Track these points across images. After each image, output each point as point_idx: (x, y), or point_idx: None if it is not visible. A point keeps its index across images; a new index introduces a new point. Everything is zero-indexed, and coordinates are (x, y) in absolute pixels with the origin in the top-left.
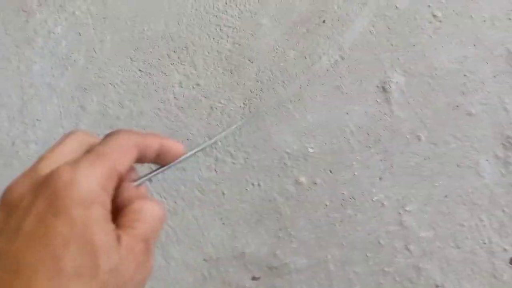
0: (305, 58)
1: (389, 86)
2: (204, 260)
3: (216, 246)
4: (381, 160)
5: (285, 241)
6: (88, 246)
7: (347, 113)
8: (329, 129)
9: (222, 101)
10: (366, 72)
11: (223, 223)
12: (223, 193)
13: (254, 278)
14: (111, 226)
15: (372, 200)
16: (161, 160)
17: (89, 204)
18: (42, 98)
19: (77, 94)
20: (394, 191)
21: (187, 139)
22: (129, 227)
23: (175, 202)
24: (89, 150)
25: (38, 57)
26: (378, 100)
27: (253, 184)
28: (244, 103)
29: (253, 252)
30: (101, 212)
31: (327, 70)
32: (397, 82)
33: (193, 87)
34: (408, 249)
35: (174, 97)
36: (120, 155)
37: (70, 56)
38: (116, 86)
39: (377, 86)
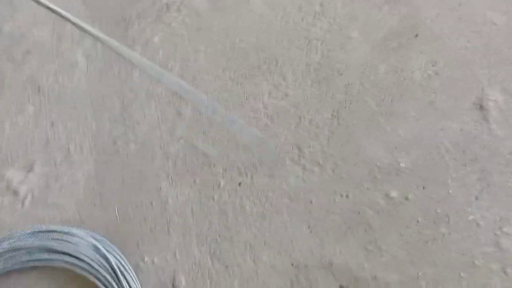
0: (397, 72)
1: (487, 103)
2: (292, 265)
3: (304, 253)
4: (478, 179)
5: (374, 254)
6: None
7: (442, 130)
8: (423, 144)
9: (310, 112)
10: (462, 89)
11: (310, 232)
12: (311, 202)
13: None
14: None
15: (467, 220)
16: None
17: None
18: (141, 102)
19: (173, 100)
20: (491, 212)
21: (276, 147)
22: None
23: (264, 207)
24: None
25: None
26: (475, 118)
27: (341, 195)
28: (332, 115)
29: (341, 263)
30: None
31: (420, 85)
32: (495, 100)
33: (282, 97)
34: (505, 272)
35: (264, 107)
36: None
37: (167, 64)
38: (209, 94)
39: (474, 104)
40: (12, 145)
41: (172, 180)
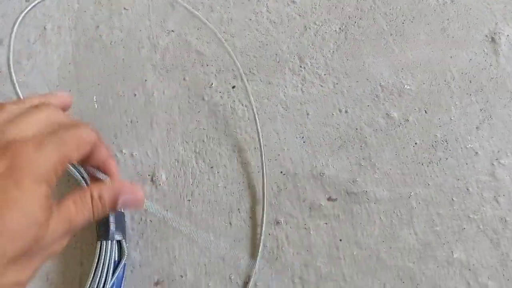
0: None
1: (499, 38)
2: (281, 172)
3: (295, 162)
4: (480, 109)
5: (367, 170)
6: (23, 213)
7: (451, 57)
8: (430, 69)
9: (317, 22)
10: (476, 20)
11: (304, 142)
12: (308, 114)
13: (330, 199)
14: (49, 202)
15: (466, 148)
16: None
17: (41, 181)
18: None
19: None
20: (490, 142)
21: (276, 54)
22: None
23: (257, 114)
24: (54, 131)
25: None
26: (485, 50)
27: (340, 110)
28: (340, 28)
29: (333, 175)
30: (45, 190)
31: (435, 10)
32: (508, 35)
33: (288, 3)
34: (497, 201)
35: (267, 10)
36: (77, 147)
37: None
38: None
39: (486, 36)
40: None
41: (159, 73)
